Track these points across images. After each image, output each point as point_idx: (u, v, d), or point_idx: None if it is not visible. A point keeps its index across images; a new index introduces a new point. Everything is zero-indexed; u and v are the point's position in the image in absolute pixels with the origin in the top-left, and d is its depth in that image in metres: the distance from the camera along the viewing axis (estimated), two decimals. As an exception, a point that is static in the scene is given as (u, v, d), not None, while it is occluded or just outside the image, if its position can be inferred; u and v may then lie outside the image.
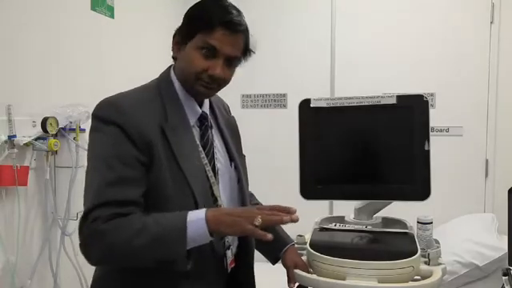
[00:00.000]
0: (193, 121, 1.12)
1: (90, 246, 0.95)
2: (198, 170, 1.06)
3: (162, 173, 1.00)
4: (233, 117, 1.31)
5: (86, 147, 1.79)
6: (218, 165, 1.14)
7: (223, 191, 1.13)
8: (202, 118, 1.14)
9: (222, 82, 1.09)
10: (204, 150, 1.10)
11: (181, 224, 0.93)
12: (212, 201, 1.08)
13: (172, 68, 1.15)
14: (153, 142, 1.00)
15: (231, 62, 1.08)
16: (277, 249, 1.32)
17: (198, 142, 1.10)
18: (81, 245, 0.96)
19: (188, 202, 1.02)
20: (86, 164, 1.87)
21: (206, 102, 1.18)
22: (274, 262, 1.35)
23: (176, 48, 1.11)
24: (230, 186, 1.17)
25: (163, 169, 1.00)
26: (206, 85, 1.07)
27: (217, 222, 0.95)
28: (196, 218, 0.95)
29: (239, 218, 0.95)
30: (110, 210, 0.94)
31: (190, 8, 1.10)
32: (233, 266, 1.15)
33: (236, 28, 1.05)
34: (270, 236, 0.93)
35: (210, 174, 1.09)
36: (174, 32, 1.12)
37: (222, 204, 1.11)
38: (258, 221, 0.93)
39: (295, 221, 0.97)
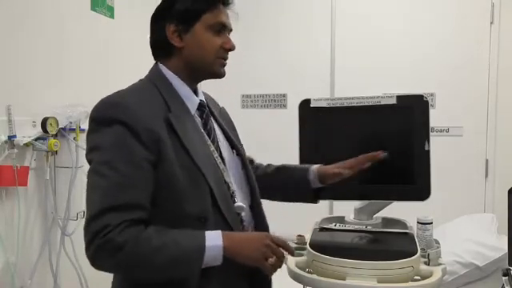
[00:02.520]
0: (193, 110, 1.11)
1: (104, 257, 0.92)
2: (207, 158, 1.06)
3: (172, 168, 0.98)
4: (223, 107, 1.30)
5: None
6: (223, 152, 1.14)
7: (232, 179, 1.13)
8: (201, 107, 1.14)
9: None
10: (209, 138, 1.11)
11: (199, 248, 0.95)
12: (226, 188, 1.08)
13: (159, 64, 1.12)
14: (161, 137, 0.98)
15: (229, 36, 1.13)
16: (307, 186, 1.31)
17: (202, 131, 1.10)
18: (90, 253, 0.92)
19: (203, 192, 1.01)
20: (85, 165, 1.88)
21: (200, 91, 1.18)
22: (315, 199, 1.35)
23: (178, 39, 1.07)
24: (237, 173, 1.17)
25: (173, 164, 0.98)
26: (224, 63, 1.11)
27: (233, 253, 0.97)
28: (214, 244, 0.96)
29: (255, 254, 0.99)
30: (121, 217, 0.91)
31: None
32: None
33: (230, 1, 1.11)
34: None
35: (219, 160, 1.10)
36: (166, 26, 1.07)
37: (234, 190, 1.11)
38: (271, 261, 0.99)
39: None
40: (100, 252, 0.91)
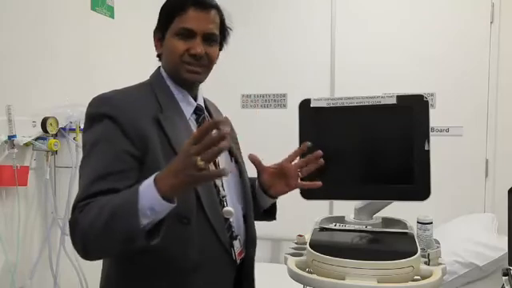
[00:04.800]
0: (188, 114, 1.12)
1: (72, 237, 0.94)
2: None
3: (158, 166, 0.96)
4: (226, 117, 1.30)
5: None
6: (219, 157, 1.13)
7: (227, 186, 1.13)
8: (198, 111, 1.15)
9: (206, 61, 1.10)
10: None
11: (133, 193, 0.86)
12: (215, 191, 1.08)
13: (161, 67, 1.16)
14: (147, 135, 0.99)
15: (209, 39, 1.09)
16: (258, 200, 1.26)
17: None
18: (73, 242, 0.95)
19: (189, 194, 1.01)
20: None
21: (201, 96, 1.19)
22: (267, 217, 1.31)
23: (158, 44, 1.13)
24: (233, 181, 1.17)
25: (159, 162, 0.98)
26: (190, 68, 1.08)
27: (164, 183, 0.85)
28: (147, 184, 0.86)
29: (179, 168, 0.83)
30: (90, 200, 0.93)
31: (164, 2, 1.12)
32: (241, 257, 1.14)
33: (206, 5, 1.08)
34: (227, 171, 0.85)
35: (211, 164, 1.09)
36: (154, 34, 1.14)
37: (226, 195, 1.11)
38: (200, 163, 0.81)
39: (227, 133, 0.82)
40: (70, 234, 0.94)
